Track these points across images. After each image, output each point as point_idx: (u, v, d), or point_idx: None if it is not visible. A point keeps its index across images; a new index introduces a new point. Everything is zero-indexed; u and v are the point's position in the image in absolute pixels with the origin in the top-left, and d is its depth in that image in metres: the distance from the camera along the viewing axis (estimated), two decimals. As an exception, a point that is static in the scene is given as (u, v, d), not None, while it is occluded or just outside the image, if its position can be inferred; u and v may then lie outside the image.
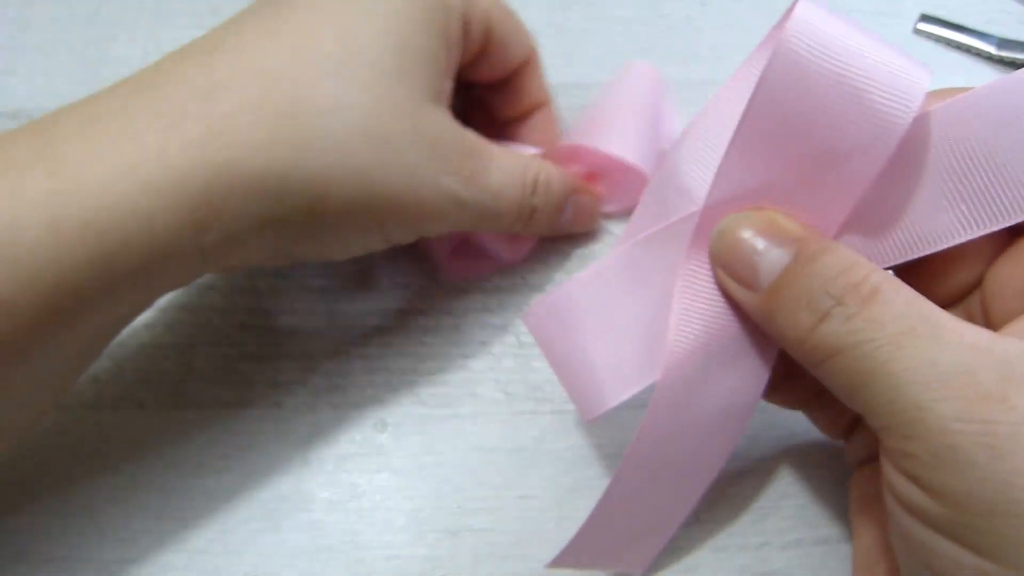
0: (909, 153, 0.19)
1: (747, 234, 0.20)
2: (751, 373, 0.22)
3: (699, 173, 0.22)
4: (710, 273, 0.22)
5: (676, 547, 0.27)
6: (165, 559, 0.26)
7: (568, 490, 0.28)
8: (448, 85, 0.26)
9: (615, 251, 0.23)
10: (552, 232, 0.30)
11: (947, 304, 0.22)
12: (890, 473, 0.19)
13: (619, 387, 0.22)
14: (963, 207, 0.19)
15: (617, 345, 0.22)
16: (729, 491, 0.27)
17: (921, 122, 0.19)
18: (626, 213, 0.32)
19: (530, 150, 0.30)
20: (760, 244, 0.20)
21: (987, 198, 0.19)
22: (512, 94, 0.30)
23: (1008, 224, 0.19)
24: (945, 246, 0.20)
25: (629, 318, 0.22)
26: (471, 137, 0.26)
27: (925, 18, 0.36)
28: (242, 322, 0.30)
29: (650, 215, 0.24)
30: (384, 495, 0.28)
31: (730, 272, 0.21)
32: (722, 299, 0.22)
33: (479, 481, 0.28)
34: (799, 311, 0.19)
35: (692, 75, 0.34)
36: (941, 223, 0.20)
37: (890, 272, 0.19)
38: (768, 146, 0.19)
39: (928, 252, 0.20)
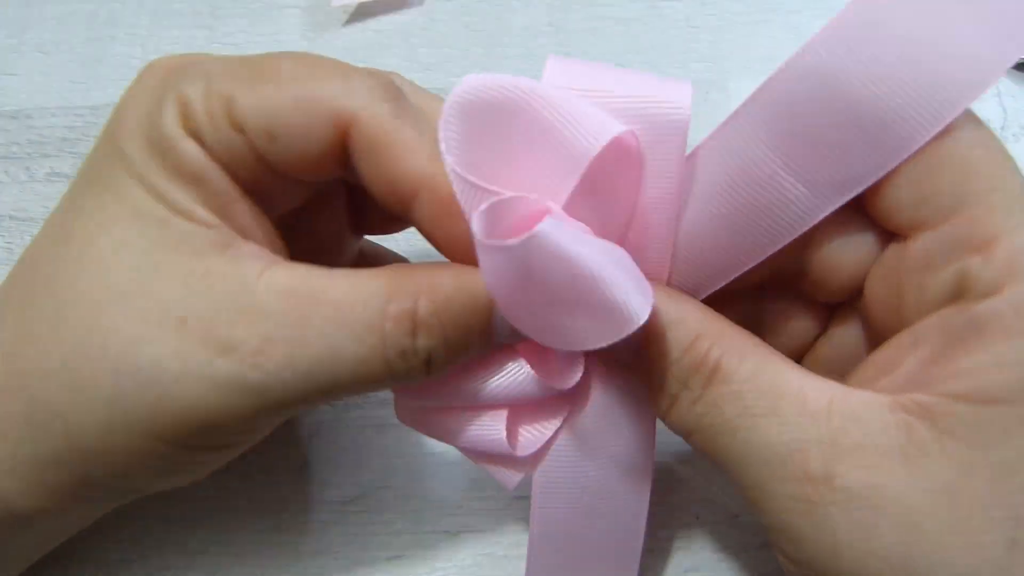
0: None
1: None
2: (636, 434, 0.22)
3: None
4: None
5: (676, 548, 0.27)
6: (165, 560, 0.26)
7: (568, 490, 0.28)
8: (238, 207, 0.19)
9: None
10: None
11: (842, 304, 0.22)
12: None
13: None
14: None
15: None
16: (729, 490, 0.27)
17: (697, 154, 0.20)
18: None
19: None
20: None
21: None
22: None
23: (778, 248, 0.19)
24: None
25: None
26: (278, 280, 0.18)
27: (925, 18, 0.36)
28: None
29: None
30: (384, 495, 0.28)
31: None
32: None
33: (479, 481, 0.28)
34: (656, 392, 0.20)
35: (692, 75, 0.34)
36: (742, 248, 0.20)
37: (735, 336, 0.19)
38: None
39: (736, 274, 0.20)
